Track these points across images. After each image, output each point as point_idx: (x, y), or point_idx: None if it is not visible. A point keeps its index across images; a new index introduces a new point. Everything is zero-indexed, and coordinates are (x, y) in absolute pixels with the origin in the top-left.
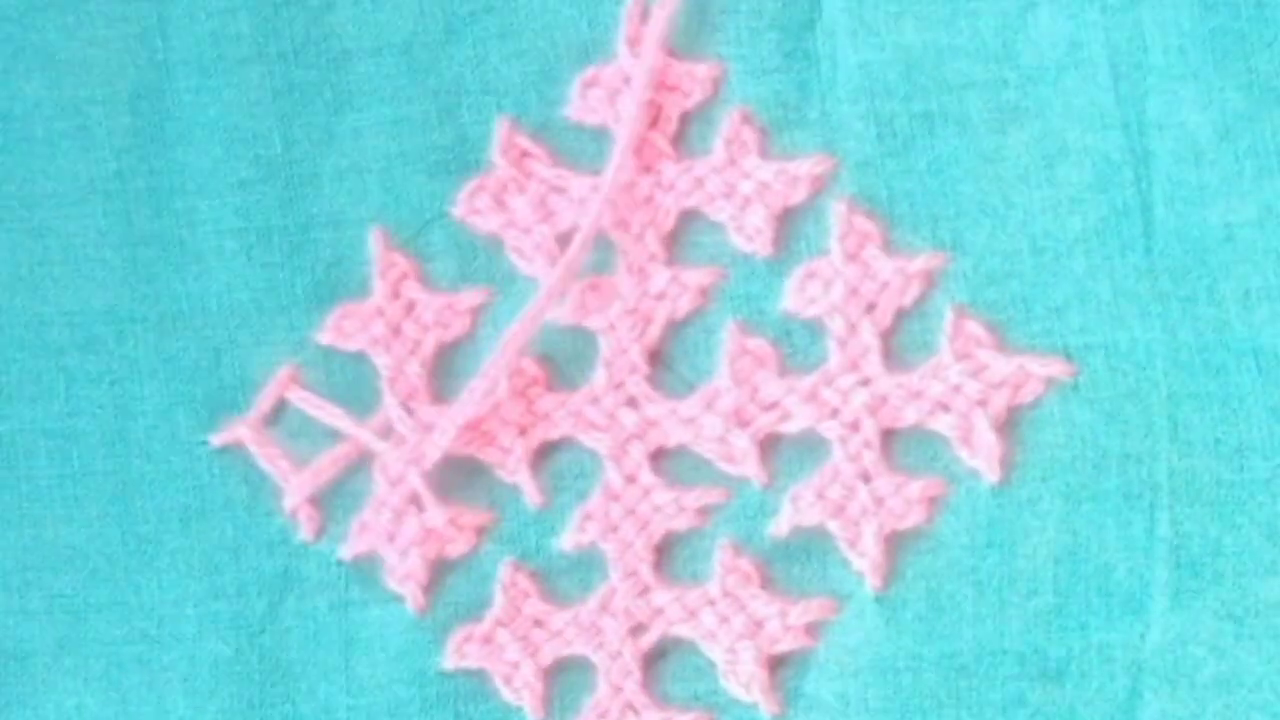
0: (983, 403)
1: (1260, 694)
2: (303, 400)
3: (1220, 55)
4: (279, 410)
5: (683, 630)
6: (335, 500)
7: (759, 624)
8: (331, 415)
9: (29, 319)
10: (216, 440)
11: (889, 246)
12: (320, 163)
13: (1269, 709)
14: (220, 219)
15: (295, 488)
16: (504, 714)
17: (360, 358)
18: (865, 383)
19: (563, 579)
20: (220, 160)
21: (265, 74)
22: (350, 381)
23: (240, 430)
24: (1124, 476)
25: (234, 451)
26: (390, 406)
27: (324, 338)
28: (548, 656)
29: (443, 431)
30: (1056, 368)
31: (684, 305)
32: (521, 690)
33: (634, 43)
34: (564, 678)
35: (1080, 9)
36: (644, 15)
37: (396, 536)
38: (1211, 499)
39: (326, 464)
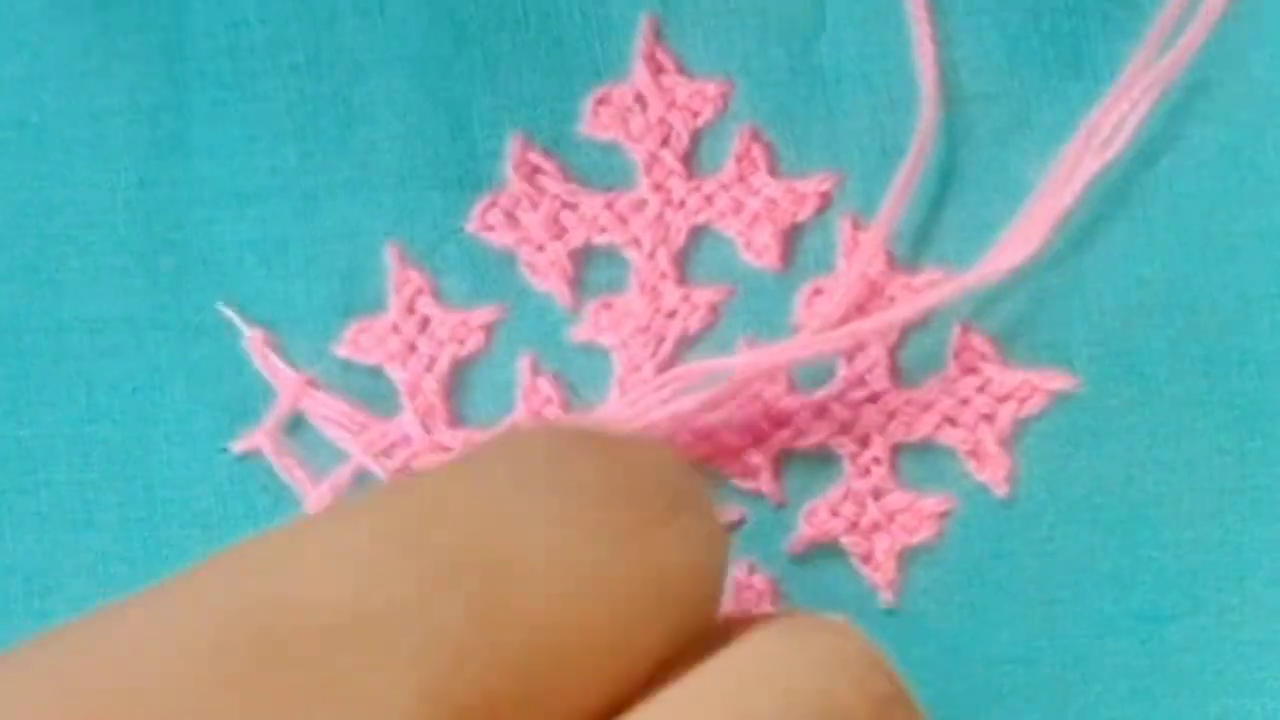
0: (989, 417)
1: (1261, 700)
2: (319, 406)
3: (1222, 67)
4: (297, 419)
5: None
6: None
7: None
8: (339, 436)
9: (49, 325)
10: (236, 447)
11: (894, 262)
12: (334, 175)
13: (1270, 713)
14: (238, 230)
15: (314, 500)
16: None
17: (378, 370)
18: (874, 398)
19: None
20: (237, 172)
21: (279, 86)
22: (370, 392)
23: (258, 438)
24: (1127, 486)
25: (254, 459)
26: (409, 425)
27: (341, 351)
28: None
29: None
30: (1060, 380)
31: (695, 322)
32: None
33: (649, 60)
34: None
35: (1082, 19)
36: (658, 33)
37: None
38: (1215, 508)
39: (345, 476)
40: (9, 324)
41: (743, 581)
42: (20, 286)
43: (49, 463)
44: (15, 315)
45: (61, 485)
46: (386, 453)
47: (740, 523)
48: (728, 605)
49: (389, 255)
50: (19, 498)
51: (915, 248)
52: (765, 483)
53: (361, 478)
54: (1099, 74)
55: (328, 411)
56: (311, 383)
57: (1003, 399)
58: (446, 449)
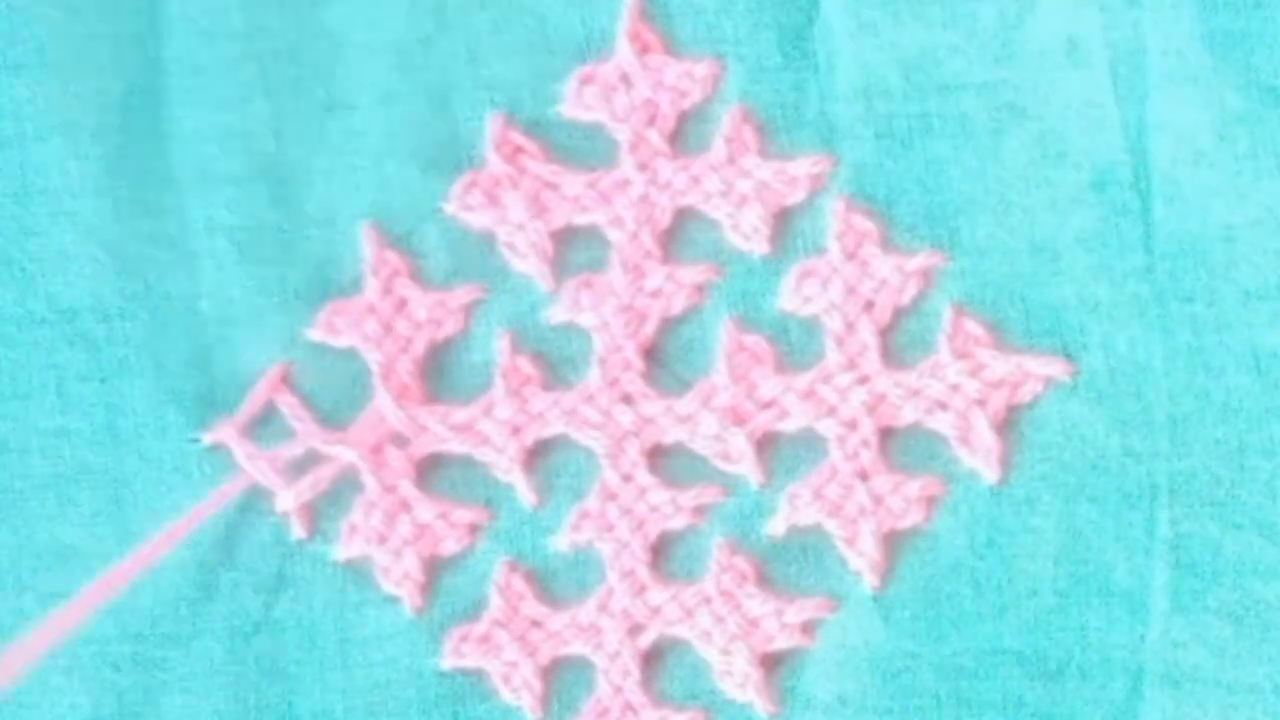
0: (981, 402)
1: (1260, 695)
2: (288, 407)
3: (1219, 56)
4: (270, 407)
5: (679, 630)
6: (330, 498)
7: (754, 623)
8: (309, 430)
9: (20, 316)
10: (207, 439)
11: (887, 245)
12: (313, 160)
13: (1269, 710)
14: (212, 216)
15: (291, 496)
16: (503, 714)
17: (352, 354)
18: (863, 381)
19: (559, 579)
20: (212, 158)
21: (258, 72)
22: (343, 378)
23: (227, 432)
24: (1123, 476)
25: (225, 450)
26: (383, 404)
27: (315, 334)
28: (546, 656)
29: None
30: (1055, 367)
31: (679, 302)
32: (520, 690)
33: (635, 38)
34: (562, 677)
35: (1079, 10)
36: (645, 12)
37: (389, 538)
38: (1211, 499)
39: (324, 473)
40: None
41: (724, 563)
42: None
43: (21, 455)
44: None
45: (33, 478)
46: (361, 439)
47: None
48: (710, 585)
49: (366, 237)
50: None
51: (911, 231)
52: (747, 464)
53: (348, 477)
54: (1095, 61)
55: (293, 414)
56: (284, 373)
57: (996, 384)
58: (424, 428)
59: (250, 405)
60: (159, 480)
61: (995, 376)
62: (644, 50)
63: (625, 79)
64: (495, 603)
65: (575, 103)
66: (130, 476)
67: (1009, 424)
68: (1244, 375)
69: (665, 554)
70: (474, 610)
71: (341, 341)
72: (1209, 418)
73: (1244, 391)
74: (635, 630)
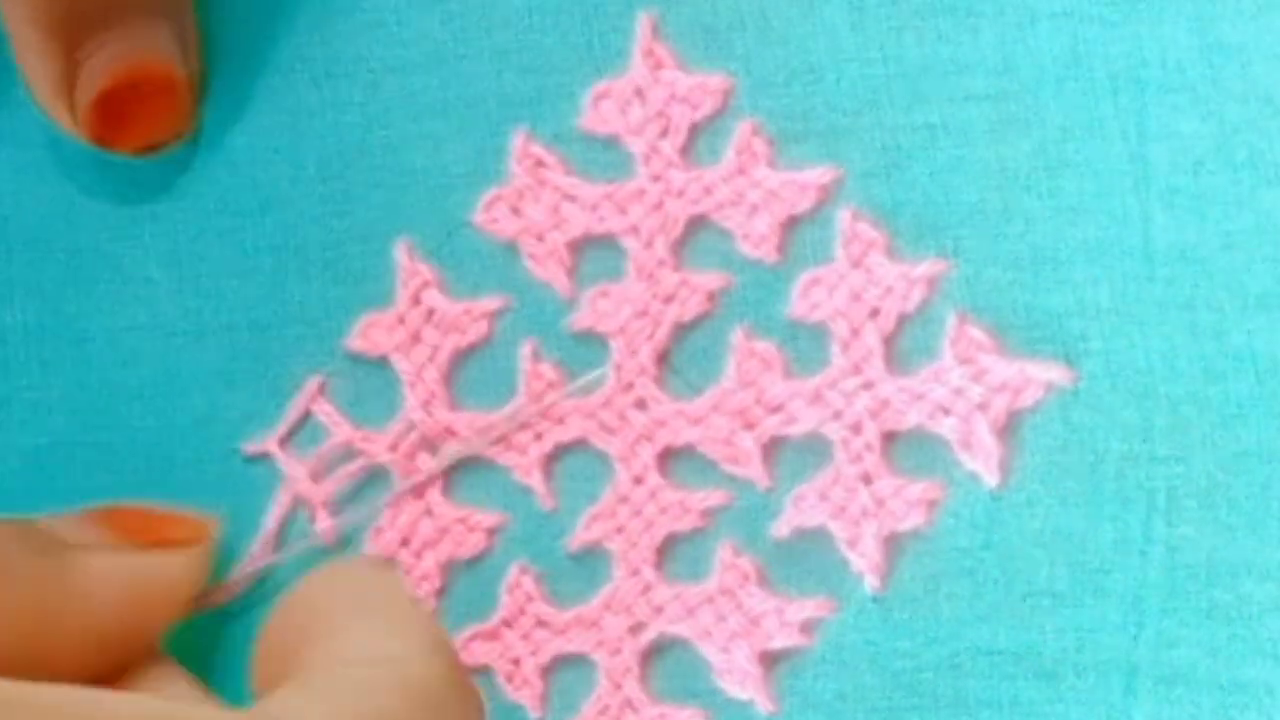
0: (983, 406)
1: (1254, 696)
2: (324, 414)
3: (1218, 68)
4: (308, 418)
5: (680, 628)
6: (356, 502)
7: (755, 621)
8: (344, 432)
9: (73, 336)
10: (248, 449)
11: (892, 253)
12: (352, 180)
13: (1262, 710)
14: (260, 238)
15: (313, 497)
16: (508, 713)
17: (385, 364)
18: (868, 386)
19: (568, 579)
20: (262, 183)
21: (302, 98)
22: (376, 387)
23: (268, 442)
24: (1121, 480)
25: (265, 460)
26: (411, 410)
27: (351, 345)
28: (547, 654)
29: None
30: (1057, 372)
31: (692, 309)
32: (521, 688)
33: (648, 55)
34: (563, 676)
35: (1079, 24)
36: (658, 30)
37: (411, 541)
38: (1208, 503)
39: (345, 476)
40: (34, 335)
41: (727, 563)
42: (48, 301)
43: (67, 470)
44: (41, 328)
45: (78, 493)
46: (394, 446)
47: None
48: (713, 585)
49: (399, 253)
50: (40, 506)
51: (916, 239)
52: (754, 468)
53: (372, 477)
54: (1095, 72)
55: (330, 419)
56: (322, 384)
57: (998, 389)
58: (453, 432)
59: (290, 416)
60: (201, 492)
61: (997, 381)
62: (657, 67)
63: (639, 93)
64: (504, 603)
65: (592, 117)
66: (174, 486)
67: (1010, 428)
68: (1242, 381)
69: (671, 555)
70: (487, 611)
71: (375, 352)
72: (1207, 423)
73: (1242, 397)
74: (637, 628)
